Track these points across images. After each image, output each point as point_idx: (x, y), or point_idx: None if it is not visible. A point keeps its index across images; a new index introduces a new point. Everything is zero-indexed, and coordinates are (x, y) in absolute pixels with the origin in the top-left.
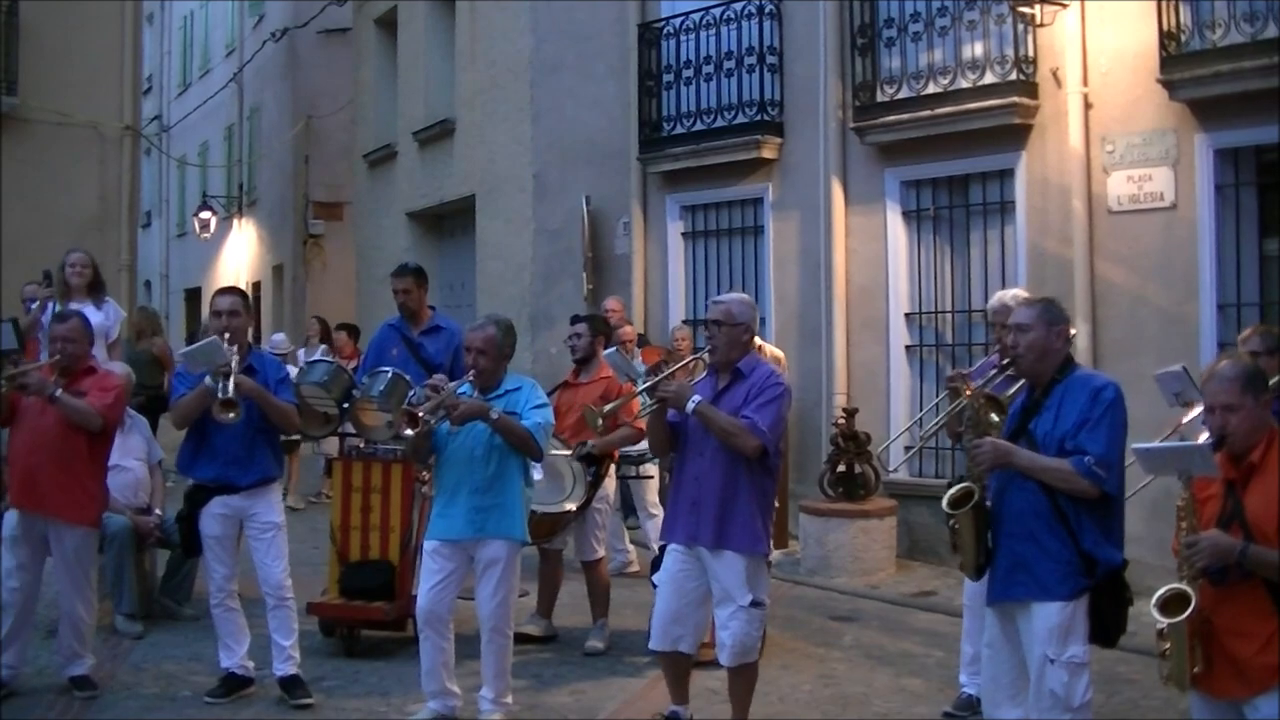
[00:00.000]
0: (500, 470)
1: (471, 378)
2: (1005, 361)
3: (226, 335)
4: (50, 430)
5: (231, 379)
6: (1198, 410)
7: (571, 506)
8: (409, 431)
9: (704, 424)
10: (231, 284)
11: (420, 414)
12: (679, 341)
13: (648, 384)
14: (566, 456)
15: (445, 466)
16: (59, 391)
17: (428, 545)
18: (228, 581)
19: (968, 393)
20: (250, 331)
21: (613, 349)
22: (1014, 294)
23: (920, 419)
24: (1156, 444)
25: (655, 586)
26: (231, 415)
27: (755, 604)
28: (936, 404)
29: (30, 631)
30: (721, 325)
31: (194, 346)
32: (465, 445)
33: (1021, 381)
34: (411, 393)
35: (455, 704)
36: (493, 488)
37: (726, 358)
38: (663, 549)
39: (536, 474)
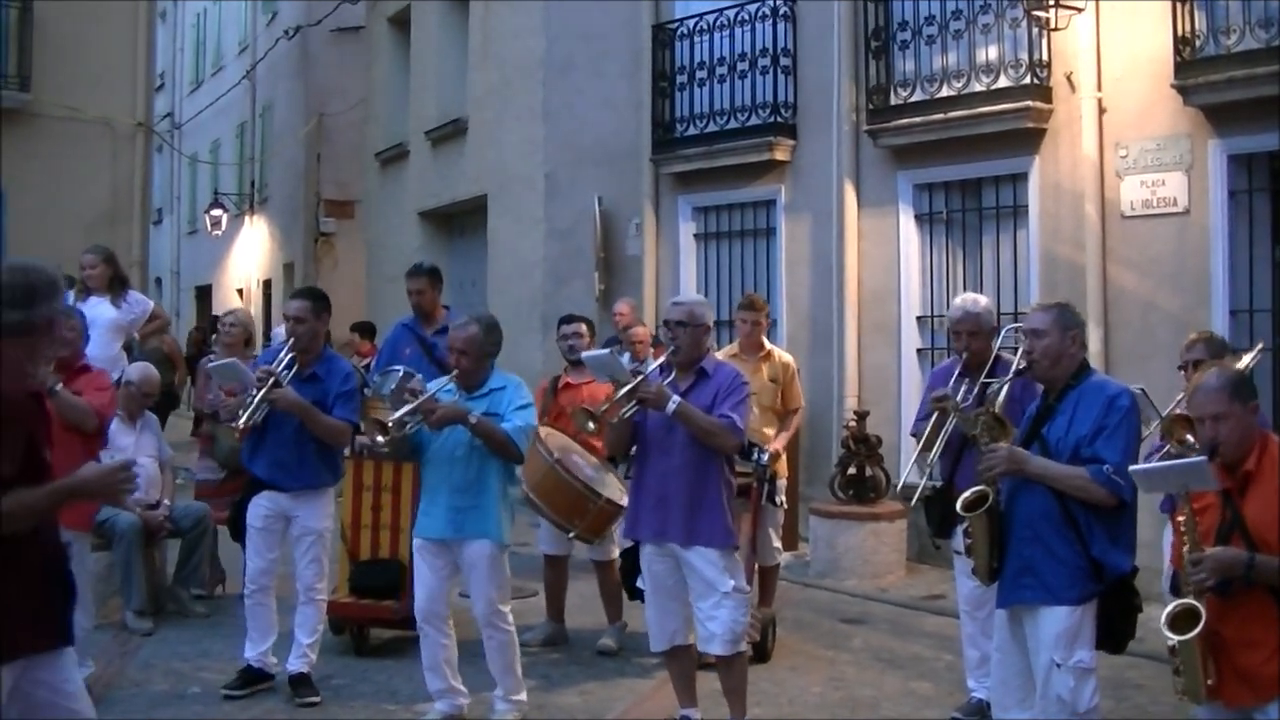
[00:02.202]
0: (480, 472)
1: (454, 377)
2: (1021, 367)
3: (290, 340)
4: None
5: (257, 397)
6: (1154, 426)
7: (626, 501)
8: (380, 438)
9: (684, 423)
10: (310, 286)
11: (389, 423)
12: (638, 345)
13: (629, 386)
14: (596, 456)
15: (428, 466)
16: (59, 386)
17: (415, 543)
18: (262, 575)
19: (956, 411)
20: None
21: (606, 350)
22: (974, 299)
23: (920, 452)
24: (1154, 464)
25: (627, 590)
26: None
27: (738, 589)
28: (929, 432)
29: None
30: (685, 326)
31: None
32: (446, 446)
33: (1005, 389)
34: (373, 385)
35: (462, 703)
36: (471, 489)
37: (689, 358)
38: (626, 553)
39: (590, 471)
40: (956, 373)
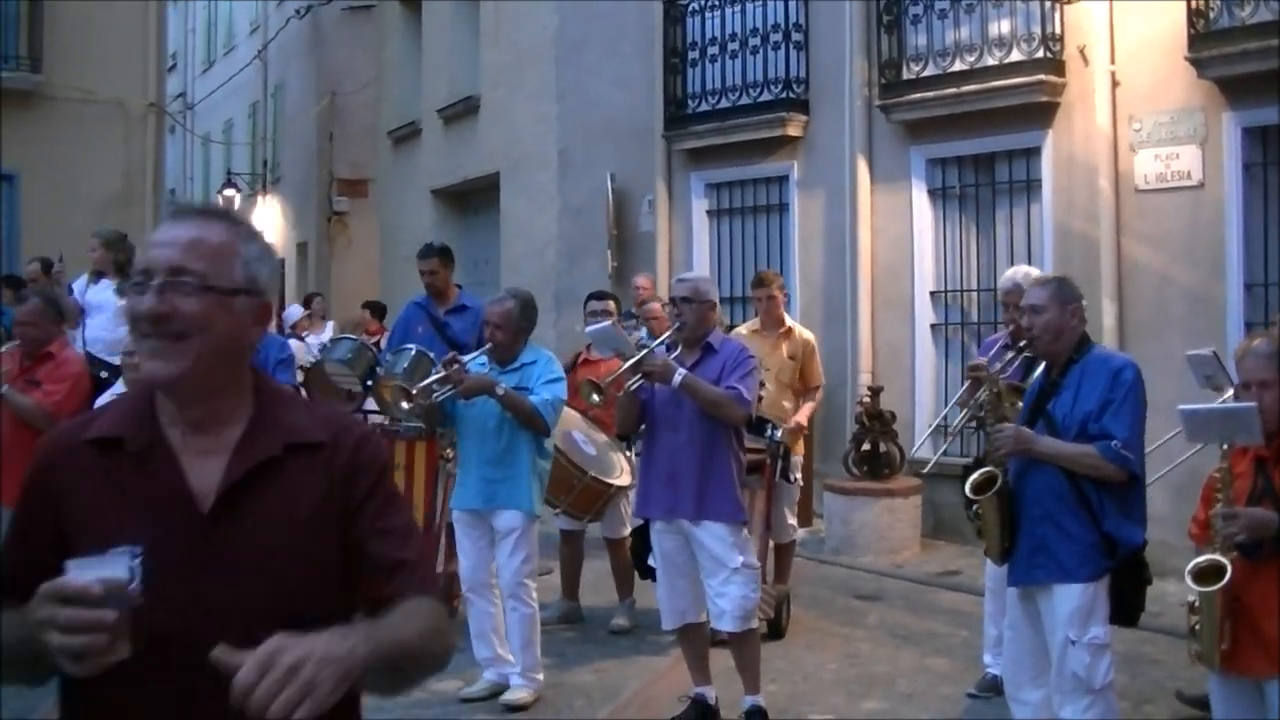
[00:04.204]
0: (511, 444)
1: (488, 351)
2: (1022, 344)
3: None
4: (10, 420)
5: None
6: (1229, 394)
7: (625, 481)
8: (405, 405)
9: (691, 396)
10: None
11: (413, 390)
12: (654, 311)
13: (633, 360)
14: (606, 434)
15: (463, 438)
16: (5, 388)
17: (454, 514)
18: None
19: (991, 382)
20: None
21: (607, 323)
22: (1025, 271)
23: (945, 419)
24: (1201, 406)
25: (638, 569)
26: None
27: (747, 565)
28: (958, 400)
29: None
30: (690, 302)
31: None
32: (479, 418)
33: (1042, 364)
34: (385, 364)
35: (508, 672)
36: (503, 460)
37: (695, 334)
38: (636, 531)
39: (589, 449)
40: (1000, 344)
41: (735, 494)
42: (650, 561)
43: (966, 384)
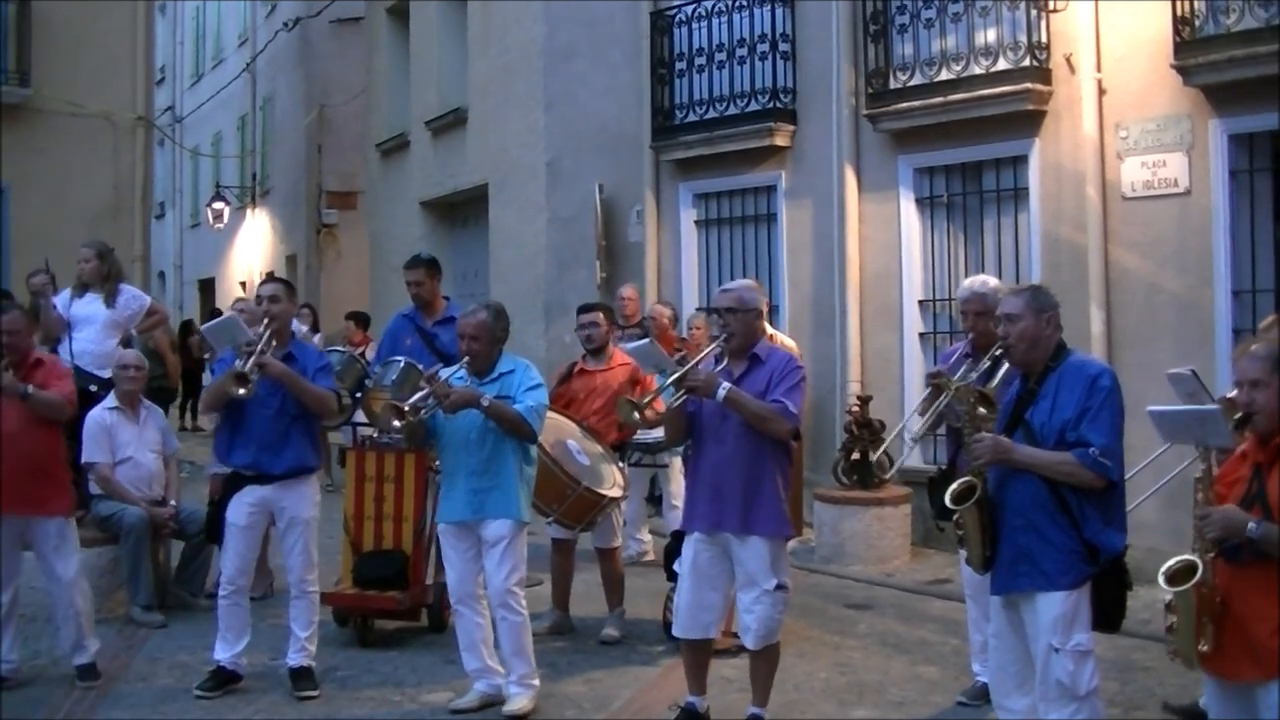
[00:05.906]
0: (496, 453)
1: (466, 364)
2: (998, 353)
3: (267, 321)
4: (13, 429)
5: (253, 357)
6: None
7: (616, 493)
8: (396, 423)
9: (735, 410)
10: (274, 273)
11: (405, 408)
12: (696, 330)
13: (676, 374)
14: (600, 444)
15: (445, 451)
16: (30, 389)
17: (440, 528)
18: (240, 575)
19: (951, 389)
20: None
21: (646, 340)
22: (983, 280)
23: (905, 425)
24: (1171, 407)
25: (667, 572)
26: (242, 391)
27: (780, 587)
28: (918, 408)
29: (14, 625)
30: (735, 312)
31: (215, 322)
32: (462, 430)
33: (1003, 369)
34: (374, 376)
35: (500, 683)
36: (489, 470)
37: (742, 344)
38: (676, 536)
39: (583, 459)
40: (961, 353)
41: (781, 508)
42: (676, 566)
43: (928, 391)
